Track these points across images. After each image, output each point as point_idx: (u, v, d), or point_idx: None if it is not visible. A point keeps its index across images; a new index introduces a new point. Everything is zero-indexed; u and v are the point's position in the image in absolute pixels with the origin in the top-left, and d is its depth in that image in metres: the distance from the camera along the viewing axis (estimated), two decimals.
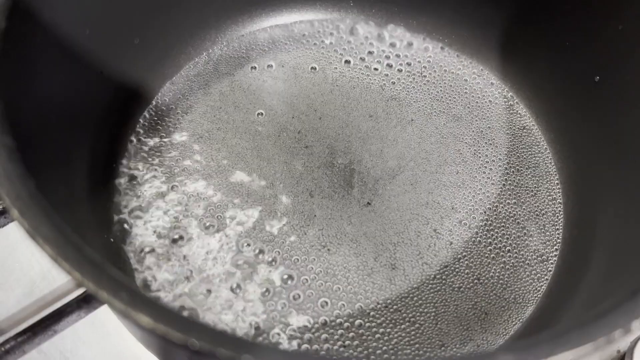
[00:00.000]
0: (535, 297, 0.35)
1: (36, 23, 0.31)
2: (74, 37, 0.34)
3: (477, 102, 0.43)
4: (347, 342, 0.33)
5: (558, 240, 0.37)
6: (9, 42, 0.28)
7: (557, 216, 0.38)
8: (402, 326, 0.34)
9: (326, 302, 0.34)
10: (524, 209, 0.38)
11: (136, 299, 0.20)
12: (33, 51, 0.31)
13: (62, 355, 0.34)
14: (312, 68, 0.44)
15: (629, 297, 0.21)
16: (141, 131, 0.40)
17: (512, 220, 0.38)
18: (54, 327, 0.34)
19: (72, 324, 0.34)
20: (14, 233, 0.37)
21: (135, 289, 0.22)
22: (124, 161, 0.39)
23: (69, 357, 0.34)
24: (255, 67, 0.44)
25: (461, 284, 0.35)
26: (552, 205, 0.39)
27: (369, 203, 0.38)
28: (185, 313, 0.33)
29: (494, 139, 0.41)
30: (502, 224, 0.38)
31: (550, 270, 0.36)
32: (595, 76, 0.37)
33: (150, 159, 0.39)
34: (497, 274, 0.36)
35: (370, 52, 0.45)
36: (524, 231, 0.38)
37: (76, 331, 0.34)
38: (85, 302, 0.34)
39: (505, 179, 0.40)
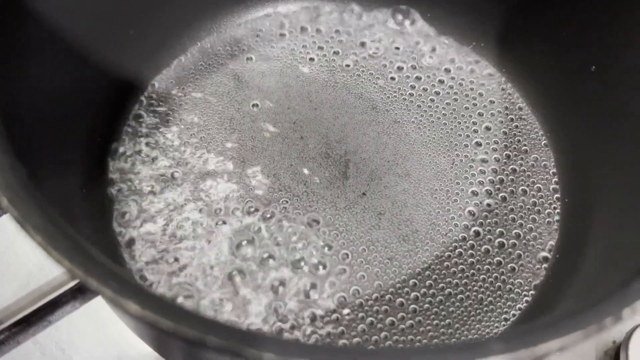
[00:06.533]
0: (531, 286, 0.35)
1: (30, 14, 0.31)
2: (68, 28, 0.34)
3: (473, 92, 0.43)
4: (339, 328, 0.33)
5: (554, 230, 0.37)
6: (2, 33, 0.28)
7: (554, 206, 0.38)
8: (395, 316, 0.34)
9: (317, 294, 0.34)
10: (520, 199, 0.38)
11: (126, 287, 0.20)
12: (26, 42, 0.31)
13: (58, 345, 0.34)
14: (310, 59, 0.44)
15: (620, 285, 0.21)
16: (135, 122, 0.40)
17: (509, 210, 0.38)
18: (48, 317, 0.34)
19: (67, 314, 0.34)
20: (10, 224, 0.37)
21: (126, 278, 0.22)
22: (118, 151, 0.38)
23: (65, 348, 0.34)
24: (251, 58, 0.44)
25: (456, 274, 0.35)
26: (549, 196, 0.39)
27: (364, 193, 0.38)
28: (179, 303, 0.33)
29: (490, 129, 0.41)
30: (499, 214, 0.38)
31: (546, 260, 0.36)
32: (591, 66, 0.37)
33: (144, 150, 0.39)
34: (493, 263, 0.36)
35: (367, 42, 0.44)
36: (520, 222, 0.38)
37: (71, 322, 0.34)
38: (80, 293, 0.35)
39: (502, 170, 0.39)
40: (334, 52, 0.44)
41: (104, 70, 0.38)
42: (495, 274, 0.36)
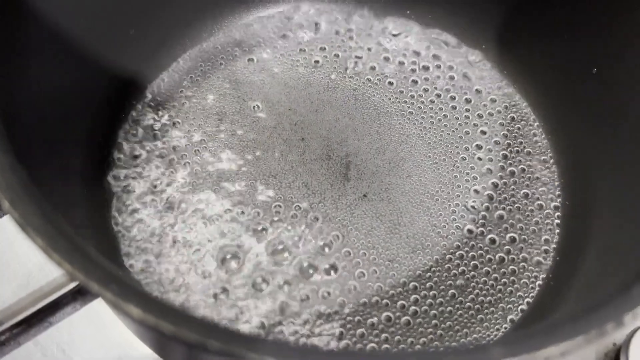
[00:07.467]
0: (532, 289, 0.35)
1: (30, 14, 0.31)
2: (68, 28, 0.34)
3: (474, 93, 0.43)
4: (339, 330, 0.33)
5: (555, 231, 0.37)
6: (2, 33, 0.28)
7: (554, 207, 0.38)
8: (396, 318, 0.34)
9: (317, 296, 0.34)
10: (521, 200, 0.38)
11: (126, 290, 0.20)
12: (26, 42, 0.31)
13: (59, 347, 0.34)
14: (312, 61, 0.43)
15: (621, 290, 0.21)
16: (136, 122, 0.40)
17: (509, 211, 0.38)
18: (49, 319, 0.34)
19: (68, 316, 0.34)
20: (11, 225, 0.37)
21: (127, 281, 0.22)
22: (119, 152, 0.38)
23: (65, 349, 0.34)
24: (252, 59, 0.43)
25: (457, 276, 0.35)
26: (549, 197, 0.39)
27: (365, 195, 0.38)
28: (180, 306, 0.33)
29: (490, 130, 0.41)
30: (500, 215, 0.38)
31: (547, 264, 0.36)
32: (591, 66, 0.36)
33: (145, 150, 0.39)
34: (494, 265, 0.36)
35: (368, 44, 0.44)
36: (521, 224, 0.37)
37: (72, 323, 0.34)
38: (81, 295, 0.35)
39: (503, 171, 0.39)
40: (336, 54, 0.44)
41: (104, 70, 0.38)
42: (495, 275, 0.36)
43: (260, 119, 0.41)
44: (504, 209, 0.38)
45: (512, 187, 0.39)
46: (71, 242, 0.21)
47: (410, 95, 0.42)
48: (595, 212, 0.35)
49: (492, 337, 0.34)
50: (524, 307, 0.35)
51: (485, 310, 0.35)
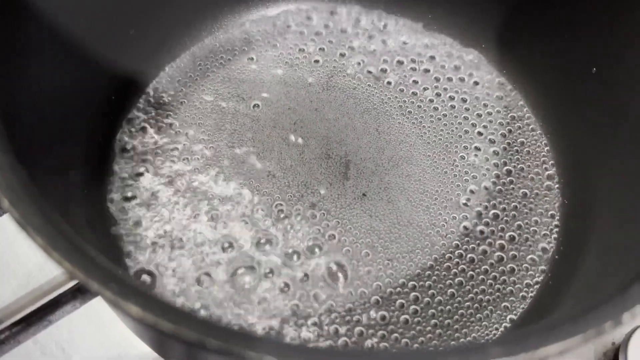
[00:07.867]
0: (531, 288, 0.35)
1: (30, 14, 0.31)
2: (68, 28, 0.34)
3: (473, 93, 0.43)
4: (337, 330, 0.33)
5: (554, 231, 0.37)
6: (2, 33, 0.28)
7: (554, 207, 0.38)
8: (395, 317, 0.34)
9: (317, 295, 0.34)
10: (520, 200, 0.38)
11: (126, 289, 0.20)
12: (27, 42, 0.31)
13: (58, 345, 0.34)
14: (312, 60, 0.44)
15: (620, 288, 0.21)
16: (136, 121, 0.40)
17: (508, 211, 0.38)
18: (48, 317, 0.34)
19: (67, 314, 0.34)
20: (11, 224, 0.37)
21: (126, 279, 0.22)
22: (119, 151, 0.38)
23: (65, 348, 0.34)
24: (252, 58, 0.44)
25: (456, 275, 0.35)
26: (549, 197, 0.39)
27: (364, 194, 0.38)
28: (176, 304, 0.33)
29: (490, 130, 0.41)
30: (498, 216, 0.38)
31: (546, 263, 0.36)
32: (591, 66, 0.37)
33: (145, 150, 0.39)
34: (493, 265, 0.36)
35: (368, 44, 0.44)
36: (520, 223, 0.38)
37: (71, 321, 0.34)
38: (80, 293, 0.35)
39: (502, 170, 0.39)
40: (335, 54, 0.44)
41: (104, 70, 0.38)
42: (495, 274, 0.36)
43: (260, 118, 0.41)
44: (503, 208, 0.38)
45: (511, 186, 0.39)
46: (71, 242, 0.21)
47: (410, 94, 0.42)
48: (595, 212, 0.35)
49: (491, 336, 0.34)
50: (523, 306, 0.35)
51: (484, 310, 0.35)
